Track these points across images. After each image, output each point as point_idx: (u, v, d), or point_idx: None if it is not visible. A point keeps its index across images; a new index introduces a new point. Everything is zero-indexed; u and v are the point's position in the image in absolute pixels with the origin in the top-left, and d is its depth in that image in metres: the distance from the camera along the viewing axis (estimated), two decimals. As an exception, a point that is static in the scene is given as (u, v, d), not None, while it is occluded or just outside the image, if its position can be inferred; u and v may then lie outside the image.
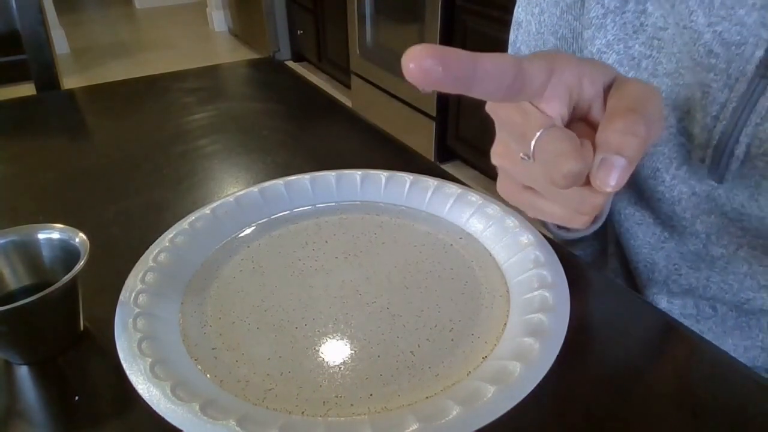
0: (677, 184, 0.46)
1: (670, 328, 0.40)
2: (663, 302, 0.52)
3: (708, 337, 0.50)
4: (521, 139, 0.28)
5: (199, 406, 0.28)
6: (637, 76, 0.45)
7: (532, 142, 0.27)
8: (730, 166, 0.41)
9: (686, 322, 0.51)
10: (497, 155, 0.33)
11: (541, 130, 0.27)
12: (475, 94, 0.24)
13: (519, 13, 0.56)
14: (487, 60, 0.23)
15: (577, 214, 0.31)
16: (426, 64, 0.21)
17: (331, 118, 0.75)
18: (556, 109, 0.28)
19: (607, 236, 0.58)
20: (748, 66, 0.38)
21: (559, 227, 0.47)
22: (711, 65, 0.40)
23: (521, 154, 0.28)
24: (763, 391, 0.34)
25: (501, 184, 0.34)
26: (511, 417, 0.27)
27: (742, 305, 0.48)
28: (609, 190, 0.26)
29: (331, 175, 0.48)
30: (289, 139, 0.68)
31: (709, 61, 0.40)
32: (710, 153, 0.42)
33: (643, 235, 0.51)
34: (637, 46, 0.45)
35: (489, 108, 0.30)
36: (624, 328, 0.39)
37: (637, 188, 0.49)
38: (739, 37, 0.38)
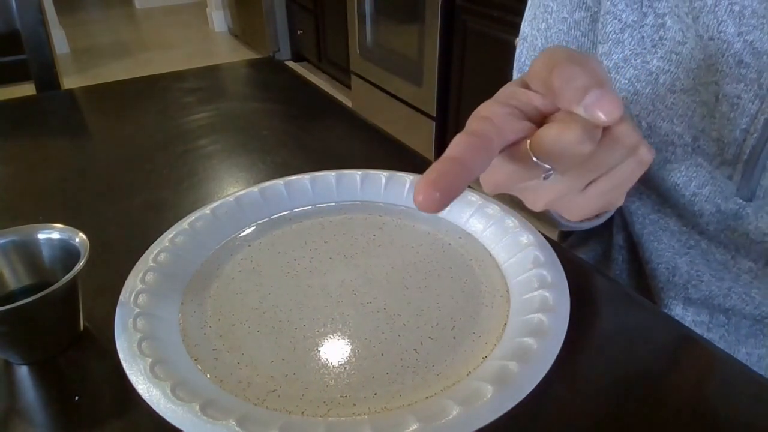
0: (699, 201, 0.45)
1: (672, 330, 0.40)
2: (677, 309, 0.52)
3: (720, 345, 0.49)
4: (528, 171, 0.27)
5: (199, 406, 0.28)
6: (655, 91, 0.44)
7: (534, 159, 0.26)
8: (762, 182, 0.41)
9: (697, 330, 0.50)
10: (536, 203, 0.32)
11: (528, 148, 0.27)
12: (484, 169, 0.26)
13: (525, 27, 0.55)
14: (464, 148, 0.25)
15: (636, 156, 0.29)
16: (433, 198, 0.23)
17: (331, 118, 0.75)
18: (518, 126, 0.27)
19: (612, 241, 0.58)
20: None
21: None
22: (741, 75, 0.39)
23: (542, 177, 0.27)
24: (765, 391, 0.34)
25: (570, 212, 0.32)
26: (511, 417, 0.27)
27: (763, 319, 0.47)
28: (617, 115, 0.25)
29: (331, 175, 0.48)
30: (289, 139, 0.68)
31: (738, 72, 0.39)
32: (740, 168, 0.41)
33: (668, 240, 0.50)
34: (655, 60, 0.44)
35: (491, 192, 0.30)
36: (624, 328, 0.39)
37: (662, 197, 0.49)
38: None
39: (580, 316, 0.34)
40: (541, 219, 0.48)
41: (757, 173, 0.41)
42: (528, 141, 0.26)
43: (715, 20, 0.39)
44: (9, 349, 0.36)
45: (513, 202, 0.51)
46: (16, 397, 0.35)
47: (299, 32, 3.07)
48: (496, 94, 0.29)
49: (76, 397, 0.34)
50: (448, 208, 0.46)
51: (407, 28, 2.00)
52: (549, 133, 0.26)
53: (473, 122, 0.27)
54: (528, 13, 0.54)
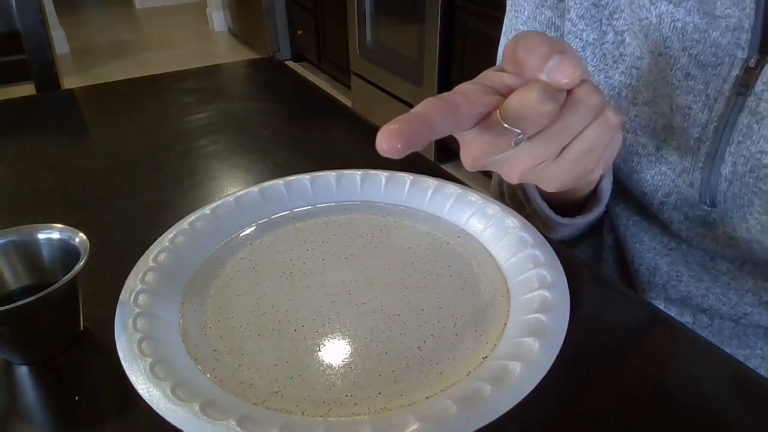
0: (667, 209, 0.46)
1: (669, 328, 0.40)
2: (659, 308, 0.52)
3: None
4: (500, 139, 0.29)
5: (199, 406, 0.28)
6: (618, 104, 0.46)
7: (504, 125, 0.28)
8: (720, 187, 0.42)
9: None
10: (512, 174, 0.32)
11: (498, 115, 0.28)
12: (446, 132, 0.27)
13: (500, 52, 0.57)
14: (431, 108, 0.27)
15: (603, 117, 0.30)
16: (395, 146, 0.25)
17: (331, 118, 0.75)
18: (488, 100, 0.29)
19: (603, 242, 0.58)
20: (725, 85, 0.40)
21: (564, 215, 0.47)
22: (689, 87, 0.41)
23: (513, 143, 0.29)
24: (761, 389, 0.35)
25: (546, 182, 0.33)
26: (511, 417, 0.27)
27: (739, 319, 0.48)
28: (576, 76, 0.27)
29: (331, 175, 0.48)
30: (289, 139, 0.68)
31: (687, 84, 0.41)
32: (698, 176, 0.43)
33: (650, 241, 0.51)
34: (617, 75, 0.45)
35: (471, 167, 0.31)
36: (624, 328, 0.39)
37: (640, 201, 0.50)
38: (714, 58, 0.39)
39: (580, 316, 0.34)
40: (537, 225, 0.49)
41: (714, 179, 0.42)
42: (498, 110, 0.28)
43: (661, 37, 0.41)
44: (9, 349, 0.36)
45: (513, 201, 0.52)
46: (16, 397, 0.35)
47: (299, 32, 3.07)
48: (473, 79, 0.31)
49: (76, 397, 0.34)
50: (448, 208, 0.46)
51: (407, 28, 2.00)
52: (514, 97, 0.27)
53: (446, 93, 0.28)
54: (502, 38, 0.57)
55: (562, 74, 0.27)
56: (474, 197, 0.45)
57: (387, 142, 0.25)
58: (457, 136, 0.30)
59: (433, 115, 0.26)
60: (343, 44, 2.53)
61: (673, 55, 0.41)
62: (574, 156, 0.31)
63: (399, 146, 0.25)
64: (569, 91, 0.28)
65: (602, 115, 0.30)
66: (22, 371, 0.36)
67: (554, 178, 0.32)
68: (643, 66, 0.43)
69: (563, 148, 0.30)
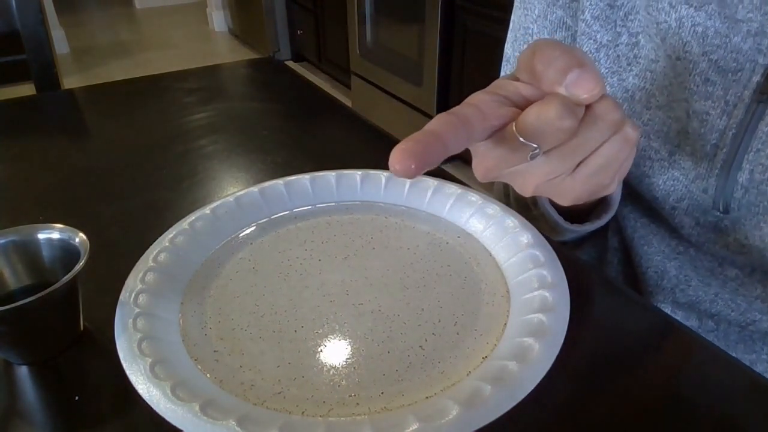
0: (678, 214, 0.46)
1: (673, 331, 0.40)
2: (666, 311, 0.52)
3: None
4: (515, 153, 0.28)
5: (199, 406, 0.28)
6: (631, 108, 0.45)
7: (520, 139, 0.27)
8: (735, 195, 0.41)
9: None
10: (525, 187, 0.32)
11: (514, 129, 0.27)
12: (460, 147, 0.27)
13: (507, 48, 0.56)
14: (443, 124, 0.26)
15: (622, 133, 0.29)
16: (408, 166, 0.25)
17: (331, 118, 0.75)
18: (503, 112, 0.28)
19: (608, 244, 0.58)
20: (745, 92, 0.39)
21: (573, 221, 0.47)
22: (708, 93, 0.40)
23: (528, 157, 0.28)
24: (763, 391, 0.34)
25: (560, 196, 0.33)
26: (511, 417, 0.27)
27: (747, 326, 0.48)
28: (597, 92, 0.26)
29: (331, 175, 0.48)
30: (289, 139, 0.68)
31: (706, 89, 0.40)
32: (713, 183, 0.42)
33: (658, 244, 0.51)
34: (630, 78, 0.45)
35: (483, 179, 0.31)
36: (627, 330, 0.39)
37: (650, 205, 0.49)
38: (735, 64, 0.39)
39: (579, 316, 0.34)
40: (544, 228, 0.49)
41: (730, 186, 0.41)
42: (514, 123, 0.27)
43: (680, 41, 0.40)
44: (9, 349, 0.36)
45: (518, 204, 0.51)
46: (16, 397, 0.35)
47: (299, 32, 3.07)
48: (487, 87, 0.30)
49: (76, 397, 0.34)
50: (448, 208, 0.46)
51: (407, 28, 2.00)
52: (531, 111, 0.26)
53: (458, 107, 0.28)
54: (510, 35, 0.55)
55: (582, 89, 0.26)
56: (474, 197, 0.45)
57: (400, 162, 0.25)
58: (469, 147, 0.29)
59: (445, 131, 0.26)
60: (343, 44, 2.53)
61: (692, 60, 0.40)
62: (590, 171, 0.30)
63: (413, 166, 0.24)
64: (588, 106, 0.27)
65: (621, 130, 0.29)
66: (22, 371, 0.36)
67: (568, 192, 0.32)
68: (658, 69, 0.43)
69: (579, 163, 0.30)
